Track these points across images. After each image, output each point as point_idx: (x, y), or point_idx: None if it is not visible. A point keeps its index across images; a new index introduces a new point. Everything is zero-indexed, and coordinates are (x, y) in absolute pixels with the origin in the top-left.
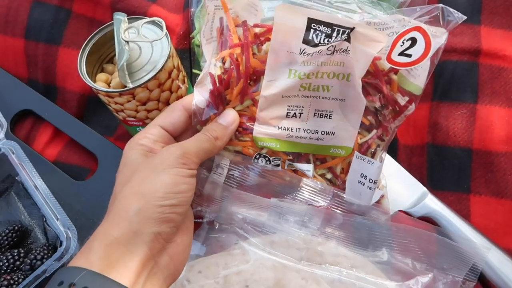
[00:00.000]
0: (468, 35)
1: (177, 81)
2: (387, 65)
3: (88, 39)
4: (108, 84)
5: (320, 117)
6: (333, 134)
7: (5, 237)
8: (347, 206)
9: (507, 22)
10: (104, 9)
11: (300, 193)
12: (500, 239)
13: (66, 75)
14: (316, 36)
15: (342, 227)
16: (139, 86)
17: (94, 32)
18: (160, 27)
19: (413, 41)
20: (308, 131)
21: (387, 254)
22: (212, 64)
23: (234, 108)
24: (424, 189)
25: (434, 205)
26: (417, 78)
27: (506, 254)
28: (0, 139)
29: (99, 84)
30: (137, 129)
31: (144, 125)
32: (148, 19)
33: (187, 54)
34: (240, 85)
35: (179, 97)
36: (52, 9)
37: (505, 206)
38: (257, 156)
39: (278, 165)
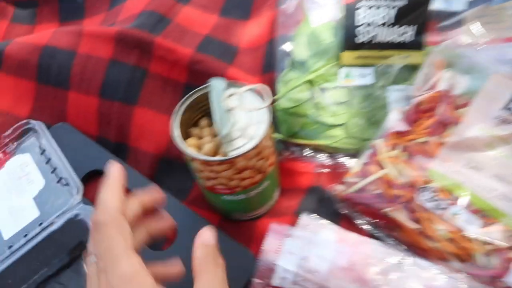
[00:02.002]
0: None
1: (270, 148)
2: None
3: (180, 104)
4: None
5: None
6: None
7: None
8: None
9: None
10: (180, 69)
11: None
12: None
13: (140, 135)
14: None
15: None
16: (241, 155)
17: (185, 97)
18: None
19: None
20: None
21: None
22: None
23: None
24: None
25: None
26: None
27: None
28: (77, 203)
29: (189, 150)
30: (221, 197)
31: (233, 193)
32: (249, 86)
33: None
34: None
35: (271, 164)
36: (128, 68)
37: None
38: (424, 188)
39: (443, 209)
